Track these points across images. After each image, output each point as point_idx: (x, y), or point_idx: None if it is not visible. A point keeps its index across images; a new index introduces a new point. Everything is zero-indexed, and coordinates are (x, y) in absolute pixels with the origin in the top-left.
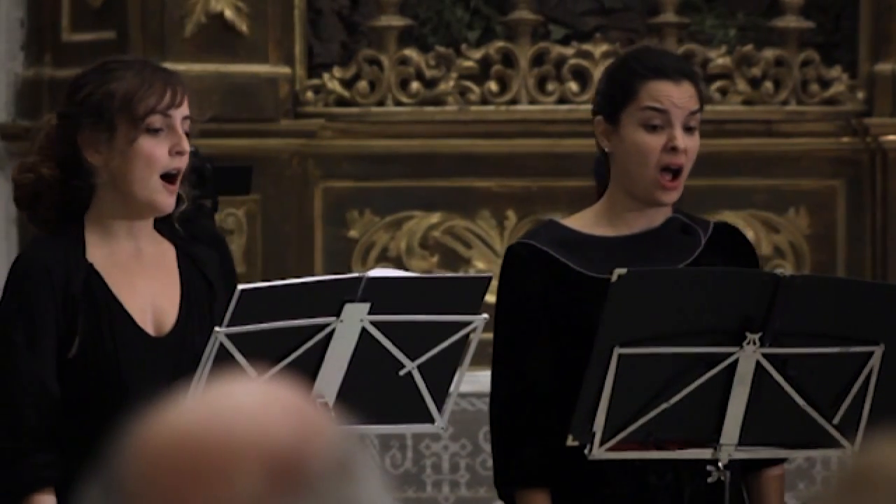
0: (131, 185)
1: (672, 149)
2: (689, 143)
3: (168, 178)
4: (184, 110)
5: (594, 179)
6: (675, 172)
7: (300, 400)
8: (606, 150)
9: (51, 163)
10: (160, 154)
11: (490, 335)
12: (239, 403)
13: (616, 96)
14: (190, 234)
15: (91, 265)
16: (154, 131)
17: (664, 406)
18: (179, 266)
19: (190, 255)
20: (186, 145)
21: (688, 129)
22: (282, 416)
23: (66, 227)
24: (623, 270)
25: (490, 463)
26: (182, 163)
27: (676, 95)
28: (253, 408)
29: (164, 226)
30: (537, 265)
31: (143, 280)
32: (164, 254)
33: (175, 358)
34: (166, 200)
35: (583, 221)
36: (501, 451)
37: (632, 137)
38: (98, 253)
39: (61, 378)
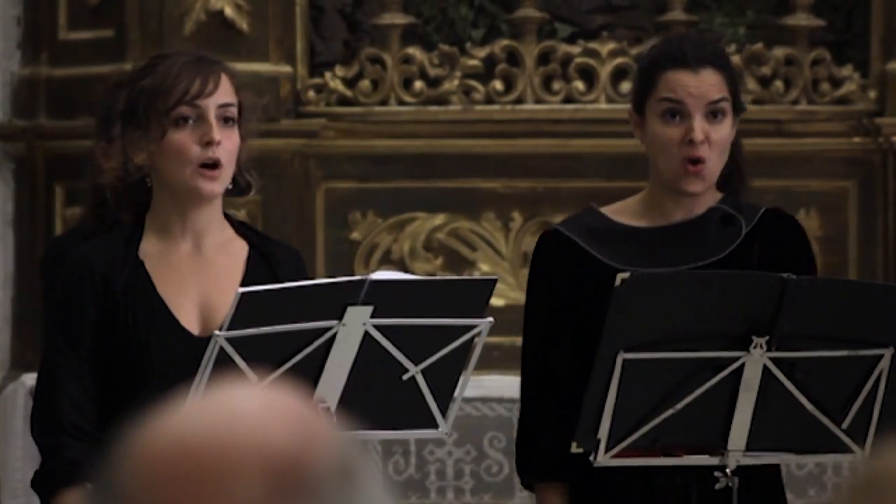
0: (169, 178)
1: (690, 141)
2: (714, 133)
3: (207, 166)
4: (220, 98)
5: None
6: (697, 163)
7: (300, 405)
8: (640, 141)
9: (114, 164)
10: (189, 146)
11: (495, 339)
12: (239, 409)
13: (641, 88)
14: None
15: (141, 262)
16: (182, 123)
17: (670, 412)
18: (248, 263)
19: (265, 254)
20: (216, 134)
21: (714, 118)
22: (282, 422)
23: (127, 223)
24: (626, 274)
25: (495, 469)
26: (215, 153)
27: (693, 85)
28: (253, 413)
29: (243, 226)
30: (564, 254)
31: (197, 279)
32: (232, 252)
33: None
34: (206, 186)
35: (622, 211)
36: (522, 440)
37: (654, 129)
38: (152, 249)
39: (99, 375)
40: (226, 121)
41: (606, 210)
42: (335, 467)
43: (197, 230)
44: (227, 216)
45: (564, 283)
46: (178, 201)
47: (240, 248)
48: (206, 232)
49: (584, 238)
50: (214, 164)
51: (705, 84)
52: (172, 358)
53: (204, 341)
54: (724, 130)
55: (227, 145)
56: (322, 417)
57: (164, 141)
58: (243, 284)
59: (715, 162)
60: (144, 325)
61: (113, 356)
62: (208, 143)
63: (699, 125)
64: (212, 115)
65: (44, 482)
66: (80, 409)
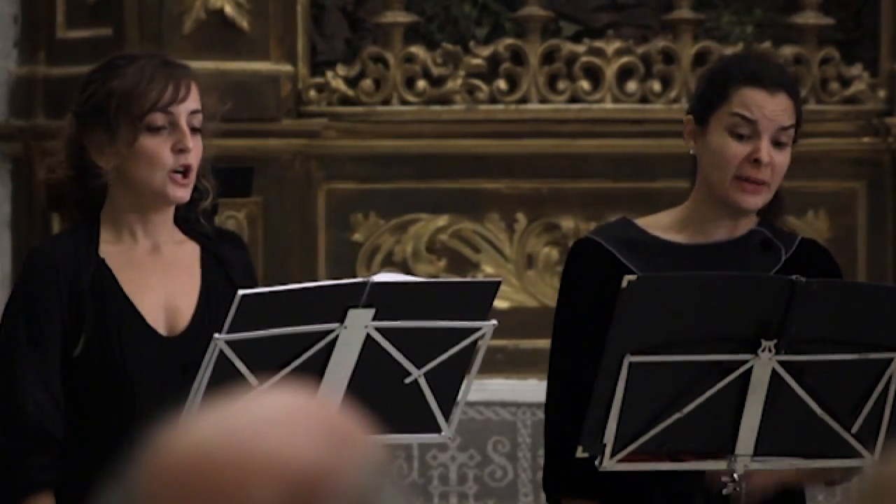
0: (138, 184)
1: (755, 161)
2: (778, 159)
3: (179, 172)
4: (190, 105)
5: (688, 180)
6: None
7: (333, 416)
8: (691, 151)
9: (66, 164)
10: (163, 153)
11: (499, 342)
12: (261, 418)
13: (709, 97)
14: (218, 232)
15: (102, 260)
16: (156, 129)
17: (677, 416)
18: (202, 266)
19: (216, 254)
20: (189, 141)
21: (777, 144)
22: (308, 434)
23: (83, 223)
24: (633, 276)
25: (499, 474)
26: (189, 159)
27: (769, 106)
28: (276, 423)
29: (188, 224)
30: (600, 263)
31: (159, 278)
32: (186, 252)
33: (186, 359)
34: (177, 192)
35: (658, 224)
36: (550, 456)
37: (717, 142)
38: (111, 249)
39: (65, 377)
40: (193, 128)
41: (641, 222)
42: (361, 487)
43: (154, 232)
44: (176, 220)
45: (600, 294)
46: (141, 204)
47: (192, 249)
48: (163, 233)
49: (619, 249)
50: (185, 171)
51: (779, 108)
52: (142, 359)
53: (171, 341)
54: (785, 157)
55: (196, 152)
56: (355, 429)
57: (135, 146)
58: (202, 286)
59: (773, 186)
60: (115, 325)
61: (81, 357)
62: (181, 151)
63: (766, 147)
64: (184, 122)
65: (6, 491)
66: (45, 412)
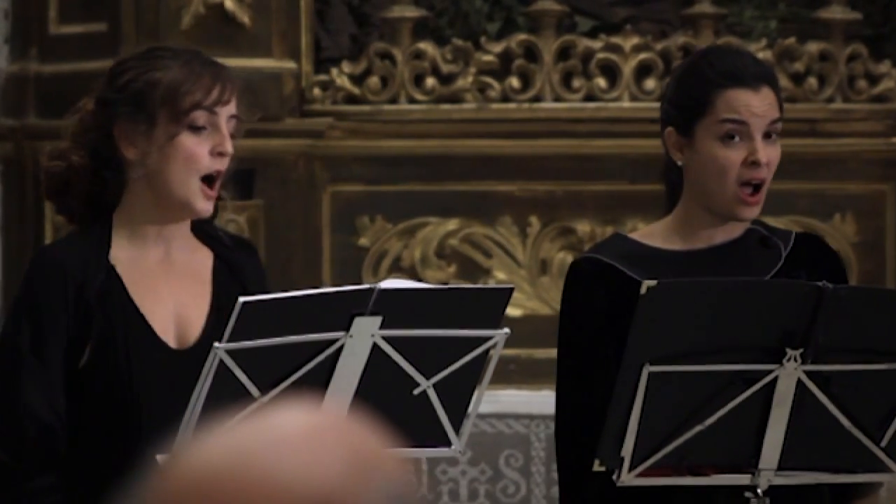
0: (168, 184)
1: (753, 163)
2: (771, 154)
3: (208, 180)
4: (231, 109)
5: (665, 186)
6: (756, 187)
7: (353, 435)
8: (679, 163)
9: (82, 151)
10: (201, 154)
11: (512, 351)
12: (278, 437)
13: (689, 107)
14: (233, 239)
15: (112, 267)
16: (197, 129)
17: (698, 428)
18: (215, 275)
19: (230, 263)
20: (230, 146)
21: (767, 137)
22: (328, 455)
23: (93, 223)
24: (652, 282)
25: (511, 489)
26: (223, 165)
27: (756, 104)
28: (294, 443)
29: (203, 231)
30: (603, 280)
31: (170, 288)
32: (199, 261)
33: (197, 373)
34: (204, 205)
35: (652, 235)
36: (565, 480)
37: (709, 152)
38: (123, 255)
39: (70, 388)
40: (231, 134)
41: (635, 236)
42: None
43: (169, 236)
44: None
45: (605, 313)
46: (164, 207)
47: (205, 257)
48: (176, 238)
49: (622, 262)
50: (214, 179)
51: (766, 103)
52: (149, 371)
53: (181, 354)
54: (777, 152)
55: (229, 158)
56: (380, 451)
57: (173, 143)
58: (213, 296)
59: (767, 186)
60: (122, 337)
61: (86, 369)
62: (220, 154)
63: (761, 146)
64: (224, 125)
65: None
66: (47, 428)
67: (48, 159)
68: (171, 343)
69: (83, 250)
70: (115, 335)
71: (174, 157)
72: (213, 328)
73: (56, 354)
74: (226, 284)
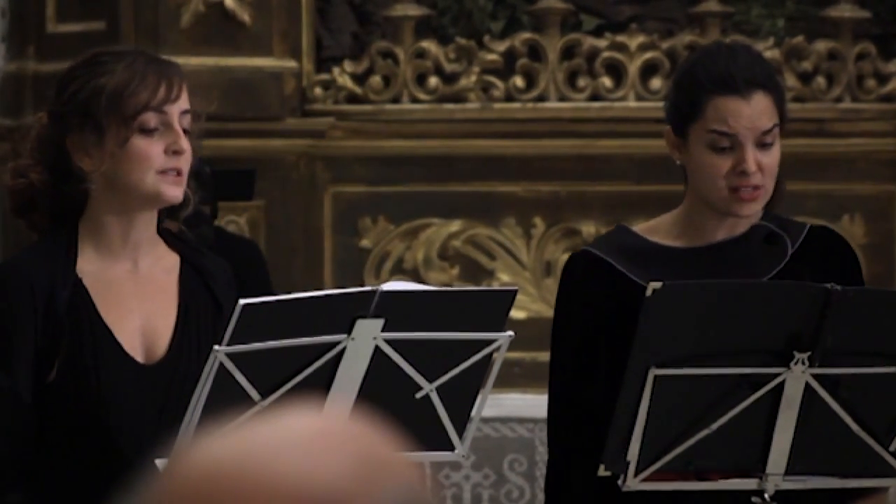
0: (127, 187)
1: (742, 172)
2: (766, 161)
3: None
4: (182, 104)
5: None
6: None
7: (362, 437)
8: (678, 161)
9: (40, 167)
10: (155, 153)
11: (516, 354)
12: (284, 439)
13: (683, 110)
14: (232, 238)
15: (80, 280)
16: (148, 131)
17: (705, 432)
18: (181, 281)
19: (197, 268)
20: (185, 143)
21: (763, 146)
22: (335, 457)
23: (59, 233)
24: (658, 284)
25: (515, 494)
26: (181, 162)
27: (746, 114)
28: (300, 445)
29: (170, 233)
30: (596, 275)
31: (137, 299)
32: (166, 268)
33: (166, 388)
34: (170, 191)
35: (656, 229)
36: (552, 474)
37: (699, 157)
38: (89, 267)
39: (38, 404)
40: (183, 130)
41: (639, 229)
42: None
43: (136, 243)
44: (159, 229)
45: (598, 308)
46: (128, 208)
47: (172, 263)
48: (143, 245)
49: (617, 259)
50: (177, 172)
51: (757, 112)
52: (118, 388)
53: (148, 370)
54: (774, 155)
55: (188, 155)
56: (390, 454)
57: (125, 148)
58: (180, 304)
59: (768, 186)
60: (91, 353)
61: (55, 384)
62: (175, 153)
63: (751, 155)
64: (176, 123)
65: None
66: (15, 445)
67: (11, 177)
68: (139, 358)
69: (49, 262)
70: (82, 351)
71: (128, 161)
72: (180, 341)
73: (24, 369)
74: (193, 293)
